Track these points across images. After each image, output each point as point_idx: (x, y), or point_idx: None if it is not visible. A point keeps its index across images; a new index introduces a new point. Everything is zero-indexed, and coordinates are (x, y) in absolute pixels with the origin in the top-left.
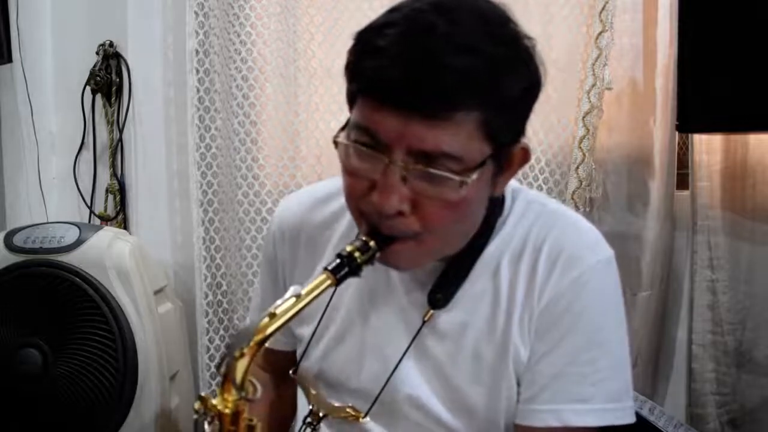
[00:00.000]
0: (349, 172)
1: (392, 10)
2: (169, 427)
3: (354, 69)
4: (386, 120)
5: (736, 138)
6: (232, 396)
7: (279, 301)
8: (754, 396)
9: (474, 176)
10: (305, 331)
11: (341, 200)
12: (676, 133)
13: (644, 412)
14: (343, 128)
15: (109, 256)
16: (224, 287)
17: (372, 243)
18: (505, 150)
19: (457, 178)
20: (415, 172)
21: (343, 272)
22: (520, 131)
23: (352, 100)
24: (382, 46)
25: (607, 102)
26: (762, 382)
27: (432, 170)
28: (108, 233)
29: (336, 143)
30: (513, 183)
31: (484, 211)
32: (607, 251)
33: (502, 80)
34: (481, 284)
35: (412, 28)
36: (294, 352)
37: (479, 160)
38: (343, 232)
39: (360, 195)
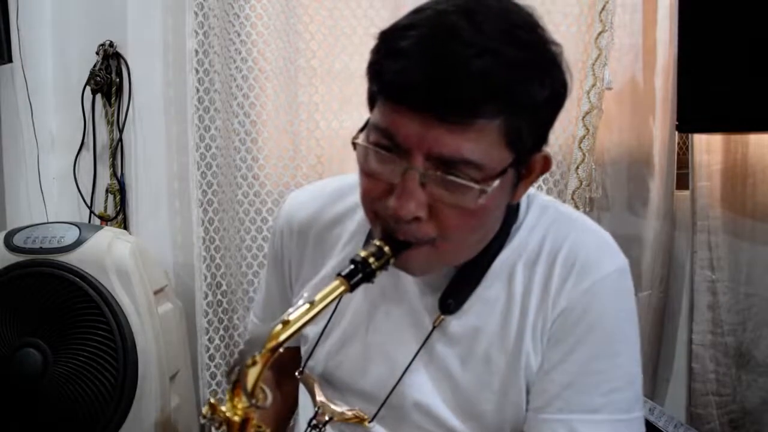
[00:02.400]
0: (366, 173)
1: (416, 11)
2: (169, 427)
3: (375, 70)
4: (406, 123)
5: (736, 138)
6: (242, 403)
7: (292, 308)
8: (754, 396)
9: (494, 185)
10: (311, 331)
11: (352, 198)
12: (676, 132)
13: (644, 412)
14: (362, 129)
15: (109, 256)
16: (224, 287)
17: (386, 248)
18: (527, 158)
19: (477, 186)
20: (434, 178)
21: (357, 278)
22: (544, 139)
23: (372, 100)
24: (404, 48)
25: (607, 102)
26: (762, 382)
27: (451, 177)
28: (108, 233)
29: (354, 145)
30: None
31: (501, 218)
32: (621, 260)
33: (526, 87)
34: (495, 290)
35: (436, 31)
36: (298, 349)
37: (500, 168)
38: (353, 231)
39: (376, 197)
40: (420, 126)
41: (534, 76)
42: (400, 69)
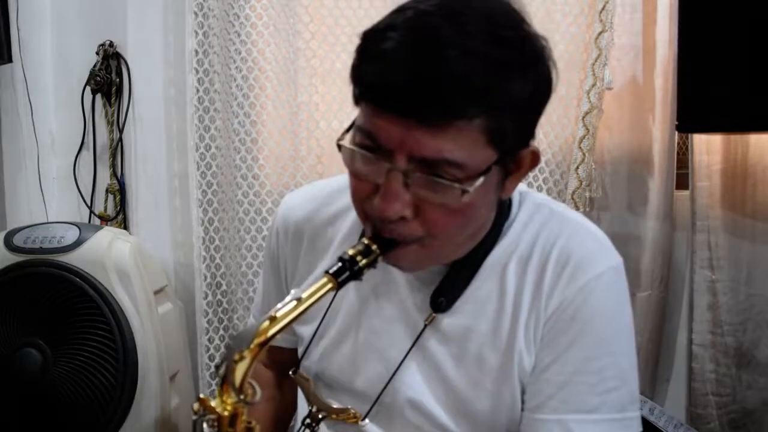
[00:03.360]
0: (353, 174)
1: (398, 11)
2: (169, 427)
3: (357, 72)
4: (387, 125)
5: (736, 138)
6: (231, 398)
7: (279, 305)
8: (754, 396)
9: (477, 183)
10: (306, 331)
11: (346, 198)
12: (676, 133)
13: (644, 412)
14: (347, 130)
15: (109, 256)
16: (224, 287)
17: (374, 247)
18: (513, 154)
19: (459, 186)
20: (418, 178)
21: (344, 276)
22: (530, 135)
23: (357, 101)
24: (384, 50)
25: (607, 102)
26: (762, 382)
27: (434, 178)
28: (108, 233)
29: (339, 146)
30: (520, 185)
31: (492, 215)
32: (616, 258)
33: (507, 85)
34: (487, 288)
35: (416, 33)
36: (296, 350)
37: (484, 167)
38: (347, 230)
39: (365, 197)
40: (401, 128)
41: (516, 75)
42: (379, 72)
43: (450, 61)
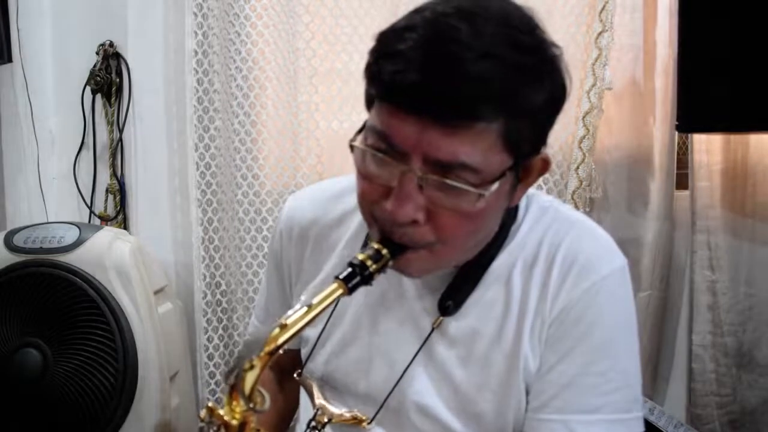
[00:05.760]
0: (364, 176)
1: (416, 12)
2: (169, 427)
3: (372, 72)
4: (403, 126)
5: (736, 138)
6: (239, 407)
7: (290, 311)
8: (754, 396)
9: (492, 188)
10: (311, 333)
11: (351, 199)
12: (676, 133)
13: (644, 412)
14: (359, 131)
15: (109, 256)
16: (224, 287)
17: (384, 251)
18: (526, 161)
19: (474, 190)
20: (432, 181)
21: (355, 281)
22: (543, 142)
23: (369, 102)
24: (401, 50)
25: (607, 102)
26: (762, 382)
27: (449, 181)
28: (108, 233)
29: (352, 147)
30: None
31: (499, 221)
32: (620, 260)
33: (524, 90)
34: (493, 291)
35: (434, 33)
36: (299, 351)
37: (498, 172)
38: (353, 232)
39: (374, 200)
40: (416, 129)
41: (533, 79)
42: (397, 71)
43: (468, 62)
